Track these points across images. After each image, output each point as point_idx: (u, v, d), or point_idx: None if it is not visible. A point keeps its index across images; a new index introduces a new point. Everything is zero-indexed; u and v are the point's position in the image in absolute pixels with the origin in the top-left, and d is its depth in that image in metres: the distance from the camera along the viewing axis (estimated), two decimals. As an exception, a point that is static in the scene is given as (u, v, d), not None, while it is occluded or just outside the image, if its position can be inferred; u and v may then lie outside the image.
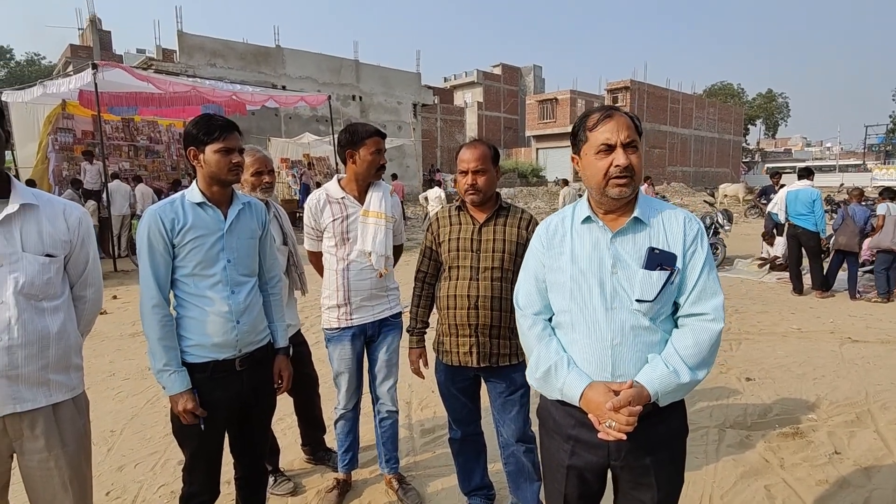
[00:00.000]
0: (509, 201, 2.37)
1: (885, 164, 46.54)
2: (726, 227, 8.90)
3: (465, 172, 2.17)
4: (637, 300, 1.39)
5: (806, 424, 3.38)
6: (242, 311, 1.91)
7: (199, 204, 1.87)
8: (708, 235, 9.03)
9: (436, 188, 15.68)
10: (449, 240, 2.25)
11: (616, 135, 1.40)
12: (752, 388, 3.96)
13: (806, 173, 7.34)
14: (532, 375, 1.53)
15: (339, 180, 2.56)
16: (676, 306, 1.46)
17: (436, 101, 33.69)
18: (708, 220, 9.01)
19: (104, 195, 10.18)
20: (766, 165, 44.40)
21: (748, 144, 62.44)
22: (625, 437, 1.31)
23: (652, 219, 1.46)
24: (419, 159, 25.73)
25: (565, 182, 15.15)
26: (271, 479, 2.72)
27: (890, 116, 55.87)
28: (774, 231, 8.35)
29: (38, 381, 1.60)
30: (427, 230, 2.38)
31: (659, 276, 1.39)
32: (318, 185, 15.43)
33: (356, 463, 2.73)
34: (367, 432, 3.00)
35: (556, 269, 1.51)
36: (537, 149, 38.55)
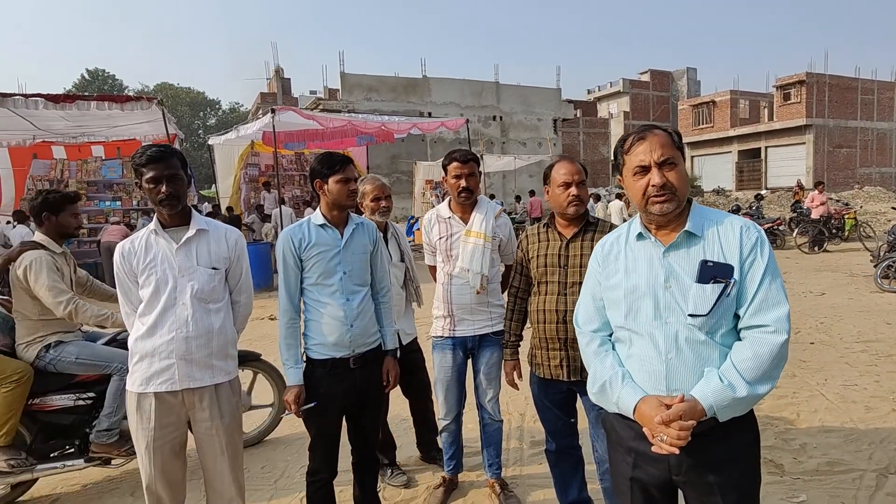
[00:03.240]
0: (597, 217, 2.41)
1: None
2: (925, 239, 7.37)
3: (569, 184, 2.24)
4: (690, 314, 1.39)
5: None
6: (356, 316, 2.25)
7: (321, 225, 2.27)
8: (898, 249, 7.59)
9: (615, 201, 15.04)
10: (537, 256, 2.35)
11: (649, 155, 1.44)
12: (937, 432, 3.31)
13: None
14: (591, 390, 1.58)
15: (449, 202, 2.81)
16: (739, 319, 1.42)
17: (577, 115, 33.11)
18: (900, 231, 7.58)
19: (277, 218, 11.93)
20: None
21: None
22: (677, 451, 1.31)
23: (707, 231, 1.45)
24: (560, 174, 25.43)
25: (619, 196, 13.90)
26: (388, 471, 3.04)
27: None
28: None
29: (206, 364, 2.08)
30: (518, 247, 2.51)
31: (713, 290, 1.37)
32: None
33: (461, 467, 2.93)
34: (479, 438, 3.16)
35: (612, 286, 1.55)
36: (692, 157, 35.55)
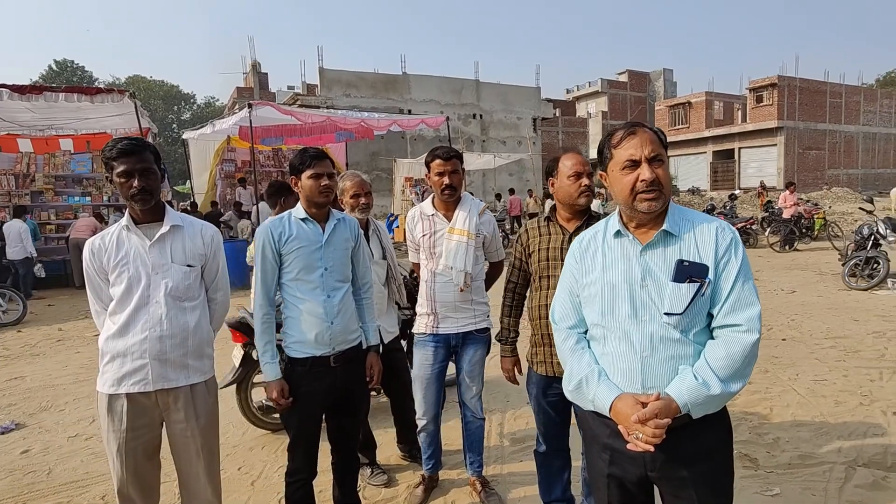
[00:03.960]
0: (599, 211, 2.39)
1: None
2: (890, 239, 7.63)
3: (581, 174, 2.23)
4: (666, 313, 1.40)
5: (969, 471, 2.85)
6: (336, 313, 2.21)
7: (302, 220, 2.22)
8: (865, 248, 7.85)
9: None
10: (538, 250, 2.32)
11: (640, 150, 1.44)
12: (901, 425, 3.42)
13: None
14: (566, 387, 1.59)
15: (432, 199, 2.79)
16: (712, 318, 1.43)
17: (556, 114, 33.37)
18: (866, 230, 7.83)
19: (254, 215, 11.74)
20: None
21: (940, 139, 52.19)
22: (652, 448, 1.32)
23: (683, 230, 1.46)
24: (538, 173, 25.62)
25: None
26: (368, 471, 3.01)
27: None
28: None
29: (181, 364, 2.02)
30: (517, 241, 2.47)
31: (688, 289, 1.38)
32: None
33: (440, 465, 2.91)
34: (459, 437, 3.16)
35: (588, 283, 1.55)
36: (669, 157, 36.15)
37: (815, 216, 13.34)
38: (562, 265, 2.19)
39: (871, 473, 2.87)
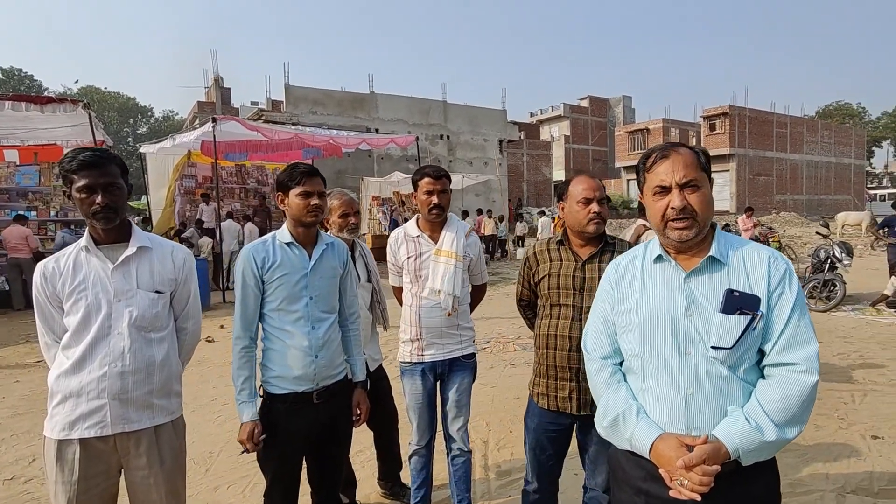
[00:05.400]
0: (616, 236, 2.26)
1: None
2: (845, 262, 7.95)
3: (591, 200, 2.08)
4: (713, 346, 1.29)
5: (952, 496, 2.87)
6: (321, 346, 2.02)
7: (287, 244, 2.03)
8: (822, 271, 8.15)
9: (544, 217, 16.94)
10: (549, 275, 2.18)
11: (671, 175, 1.35)
12: (880, 448, 3.45)
13: None
14: (599, 423, 1.46)
15: (417, 220, 2.66)
16: (762, 354, 1.33)
17: (521, 137, 33.98)
18: (823, 254, 8.14)
19: (217, 233, 11.29)
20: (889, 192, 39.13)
21: (874, 168, 56.08)
22: (699, 497, 1.20)
23: (732, 258, 1.36)
24: (505, 194, 25.90)
25: (541, 213, 15.81)
26: (348, 511, 2.78)
27: None
28: None
29: (144, 404, 1.79)
30: (524, 264, 2.35)
31: (738, 322, 1.28)
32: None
33: (429, 501, 2.72)
34: (442, 470, 2.98)
35: (625, 311, 1.44)
36: (628, 180, 37.33)
37: (771, 239, 13.87)
38: (573, 294, 2.11)
39: (861, 501, 2.85)
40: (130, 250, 1.79)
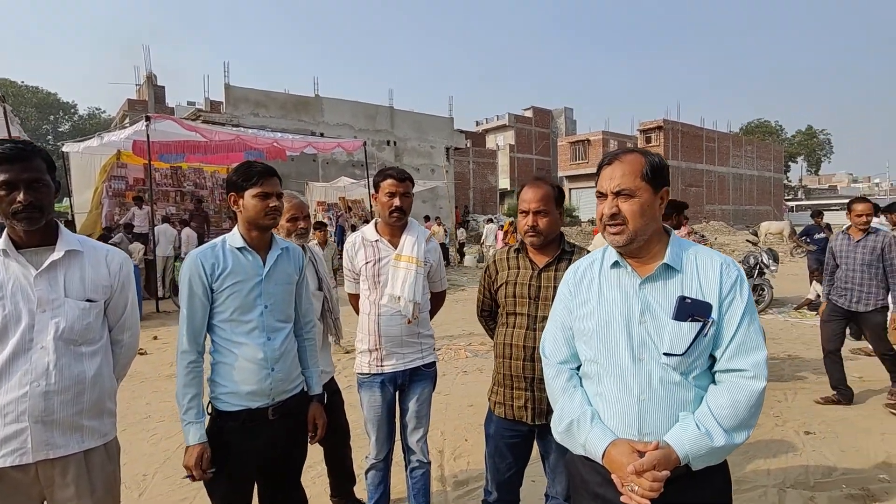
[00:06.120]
0: (575, 243, 2.23)
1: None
2: (772, 268, 8.50)
3: (526, 213, 2.05)
4: (665, 353, 1.30)
5: (877, 486, 3.07)
6: (278, 359, 1.89)
7: (239, 249, 1.88)
8: (752, 276, 8.67)
9: (490, 224, 17.49)
10: (507, 283, 2.15)
11: (608, 182, 1.38)
12: (812, 444, 3.66)
13: (878, 210, 6.26)
14: (555, 428, 1.46)
15: (375, 224, 2.56)
16: (714, 360, 1.35)
17: (468, 145, 34.39)
18: (752, 260, 8.65)
19: (151, 237, 10.63)
20: (807, 203, 42.77)
21: (790, 182, 60.80)
22: (648, 502, 1.22)
23: (685, 264, 1.38)
24: (452, 201, 26.03)
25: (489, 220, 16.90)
26: (300, 532, 2.62)
27: (942, 151, 53.55)
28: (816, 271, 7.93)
29: (72, 426, 1.60)
30: (484, 272, 2.32)
31: (690, 328, 1.29)
32: (354, 227, 15.79)
33: (387, 516, 2.61)
34: (399, 483, 2.88)
35: (582, 316, 1.44)
36: (570, 189, 38.52)
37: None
38: (528, 302, 2.09)
39: (800, 494, 2.99)
40: (57, 254, 1.60)
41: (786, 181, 55.22)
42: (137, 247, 10.69)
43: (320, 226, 7.49)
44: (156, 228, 10.58)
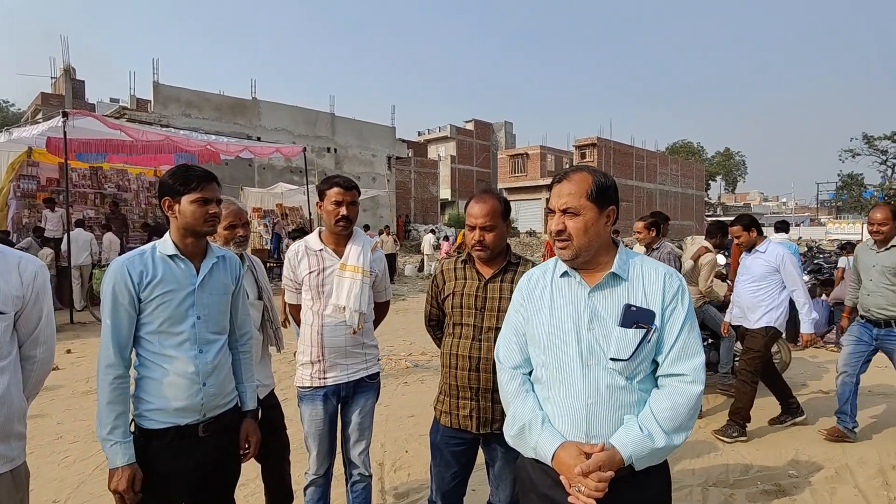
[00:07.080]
0: (520, 255, 2.26)
1: (836, 218, 49.25)
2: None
3: (473, 228, 2.07)
4: (612, 358, 1.37)
5: (787, 481, 3.33)
6: (210, 372, 1.79)
7: (171, 256, 1.77)
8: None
9: (429, 235, 17.70)
10: (453, 294, 2.16)
11: (556, 200, 1.46)
12: (731, 445, 3.91)
13: (783, 226, 7.02)
14: (508, 432, 1.51)
15: (319, 232, 2.51)
16: (657, 365, 1.43)
17: (410, 154, 34.43)
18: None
19: (66, 243, 9.82)
20: (725, 219, 46.30)
21: (710, 199, 65.27)
22: (594, 502, 1.27)
23: (632, 274, 1.45)
24: (393, 210, 25.95)
25: (431, 231, 17.90)
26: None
27: (838, 175, 59.54)
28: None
29: (-26, 452, 1.44)
30: (432, 282, 2.32)
31: (635, 334, 1.37)
32: (291, 235, 15.33)
33: (326, 534, 2.53)
34: (338, 497, 2.81)
35: (535, 322, 1.50)
36: (529, 199, 39.48)
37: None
38: (475, 313, 2.12)
39: (721, 492, 3.19)
40: (-40, 261, 1.45)
41: (706, 198, 59.27)
42: (47, 252, 9.86)
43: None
44: (69, 234, 9.78)
